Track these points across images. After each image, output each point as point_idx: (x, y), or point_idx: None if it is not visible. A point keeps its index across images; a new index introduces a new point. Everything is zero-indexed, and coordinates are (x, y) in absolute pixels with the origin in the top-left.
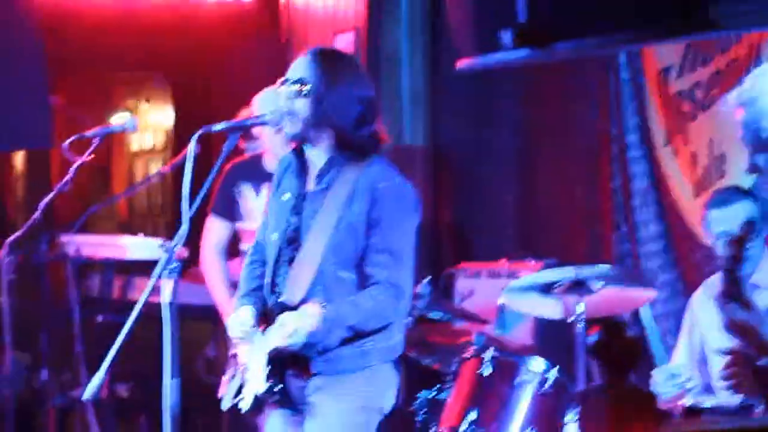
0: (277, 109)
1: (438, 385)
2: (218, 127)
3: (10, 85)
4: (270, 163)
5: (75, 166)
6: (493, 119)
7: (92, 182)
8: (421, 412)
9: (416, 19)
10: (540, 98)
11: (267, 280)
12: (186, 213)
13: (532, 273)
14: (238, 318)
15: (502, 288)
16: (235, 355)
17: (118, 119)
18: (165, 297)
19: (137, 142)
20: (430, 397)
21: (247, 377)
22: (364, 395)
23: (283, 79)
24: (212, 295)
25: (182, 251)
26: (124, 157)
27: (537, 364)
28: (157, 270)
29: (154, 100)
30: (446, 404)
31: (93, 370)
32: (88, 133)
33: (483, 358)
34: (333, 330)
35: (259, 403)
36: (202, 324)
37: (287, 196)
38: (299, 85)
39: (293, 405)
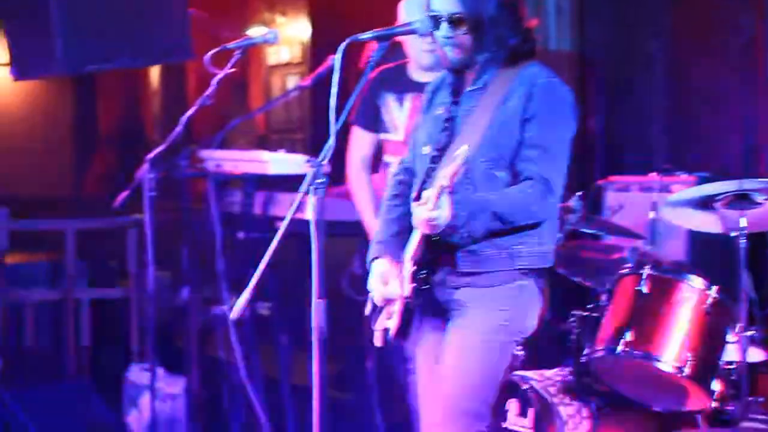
0: (427, 22)
1: (592, 304)
2: (366, 35)
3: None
4: (414, 72)
5: (217, 79)
6: (642, 23)
7: (229, 97)
8: (575, 331)
9: None
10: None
11: (413, 194)
12: (333, 126)
13: (686, 187)
14: (377, 278)
15: (654, 202)
16: None
17: (257, 31)
18: (311, 213)
19: (273, 55)
20: (584, 315)
21: (391, 292)
22: (508, 314)
23: (430, 18)
24: (358, 210)
25: (327, 166)
26: (260, 71)
27: (697, 281)
28: (304, 185)
29: (290, 13)
30: (601, 323)
31: (235, 287)
32: (230, 44)
33: (641, 275)
34: (478, 214)
35: (406, 326)
36: (347, 240)
37: (440, 110)
38: (454, 20)
39: (439, 311)
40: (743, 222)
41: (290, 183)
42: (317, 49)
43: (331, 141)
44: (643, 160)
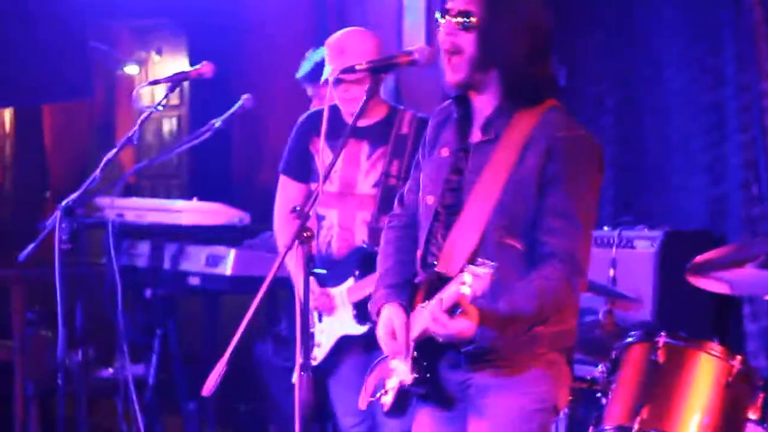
0: (424, 47)
1: (591, 377)
2: (360, 66)
3: (48, 33)
4: (349, 116)
5: (143, 117)
6: (587, 57)
7: (92, 140)
8: (573, 409)
9: None
10: (646, 34)
11: (419, 251)
12: (322, 172)
13: (649, 243)
14: (386, 328)
15: (614, 258)
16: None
17: (132, 69)
18: (297, 268)
19: (146, 97)
20: (580, 388)
21: (391, 367)
22: (538, 394)
23: (441, 10)
24: (286, 265)
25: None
26: (130, 113)
27: (718, 349)
28: (289, 237)
29: (166, 50)
30: (609, 398)
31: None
32: (161, 79)
33: (654, 343)
34: (507, 327)
35: (403, 401)
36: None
37: (445, 151)
38: (463, 17)
39: (445, 400)
40: None
41: (207, 234)
42: (197, 90)
43: (319, 189)
44: None
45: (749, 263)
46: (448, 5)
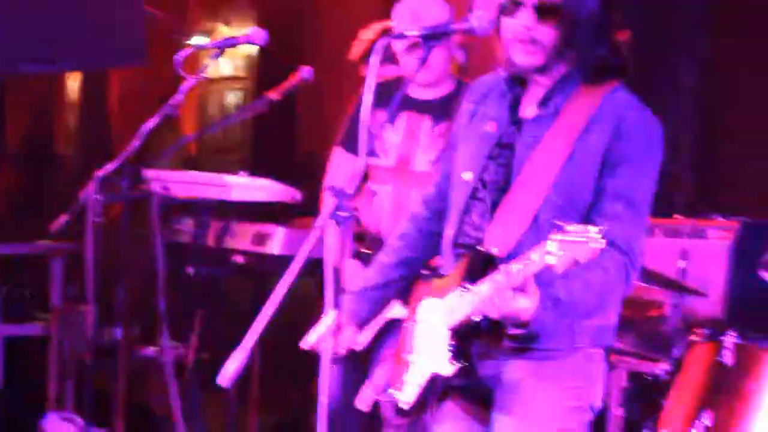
0: (482, 14)
1: (649, 376)
2: (411, 32)
3: None
4: (412, 88)
5: (186, 86)
6: (671, 45)
7: (153, 110)
8: (629, 409)
9: None
10: (729, 26)
11: (449, 231)
12: (363, 146)
13: (724, 233)
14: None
15: (684, 249)
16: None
17: (199, 40)
18: (327, 250)
19: (212, 68)
20: (636, 390)
21: (412, 359)
22: (575, 391)
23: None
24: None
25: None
26: (197, 84)
27: None
28: (322, 217)
29: (234, 22)
30: (667, 400)
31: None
32: (207, 44)
33: (721, 343)
34: (563, 315)
35: (425, 399)
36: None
37: (490, 126)
38: (544, 8)
39: (479, 393)
40: None
41: (253, 212)
42: (264, 64)
43: (361, 163)
44: (663, 199)
45: None
46: None
